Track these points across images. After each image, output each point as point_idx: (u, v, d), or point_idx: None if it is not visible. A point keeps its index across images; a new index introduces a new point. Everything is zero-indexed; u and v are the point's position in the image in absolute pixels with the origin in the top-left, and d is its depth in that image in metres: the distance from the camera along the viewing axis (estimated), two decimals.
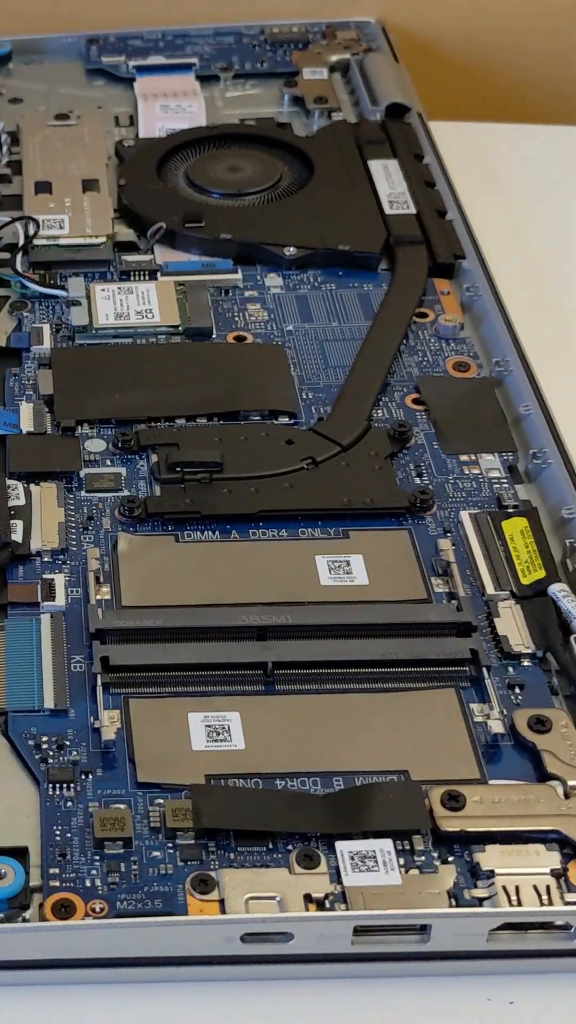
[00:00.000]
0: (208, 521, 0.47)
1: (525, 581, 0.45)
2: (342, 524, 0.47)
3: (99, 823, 0.38)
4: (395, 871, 0.37)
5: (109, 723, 0.41)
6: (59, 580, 0.45)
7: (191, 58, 0.72)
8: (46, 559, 0.46)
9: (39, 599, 0.45)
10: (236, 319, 0.56)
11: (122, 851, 0.38)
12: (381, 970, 0.37)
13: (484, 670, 0.42)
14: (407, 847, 0.38)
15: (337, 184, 0.62)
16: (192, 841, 0.38)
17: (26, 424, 0.51)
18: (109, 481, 0.49)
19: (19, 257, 0.58)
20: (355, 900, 0.37)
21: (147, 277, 0.58)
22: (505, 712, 0.41)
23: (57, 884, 0.37)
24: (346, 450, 0.50)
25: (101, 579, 0.45)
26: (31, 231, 0.59)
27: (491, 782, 0.39)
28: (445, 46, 0.77)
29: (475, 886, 0.37)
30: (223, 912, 0.37)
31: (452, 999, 0.37)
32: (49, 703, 0.42)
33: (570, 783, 0.39)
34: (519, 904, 0.36)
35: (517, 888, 0.37)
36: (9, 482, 0.48)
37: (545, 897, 0.37)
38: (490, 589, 0.45)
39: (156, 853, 0.38)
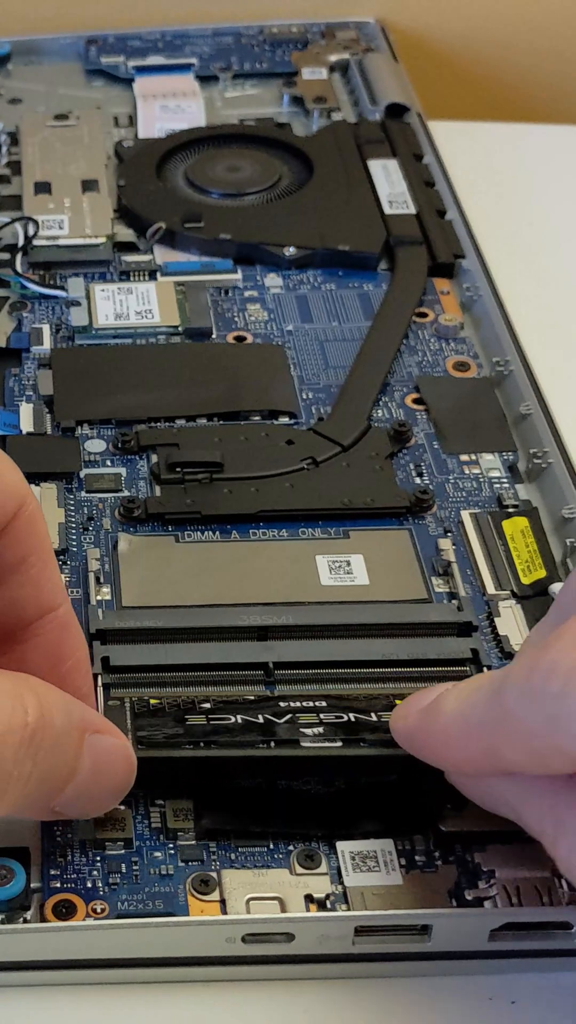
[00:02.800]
0: (208, 521, 0.47)
1: (526, 581, 0.45)
2: (342, 524, 0.47)
3: (99, 823, 0.38)
4: (396, 871, 0.37)
5: None
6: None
7: (190, 58, 0.72)
8: None
9: None
10: (236, 319, 0.56)
11: (123, 852, 0.38)
12: (382, 970, 0.37)
13: (485, 670, 0.42)
14: (408, 847, 0.38)
15: (337, 184, 0.62)
16: (193, 842, 0.38)
17: (26, 424, 0.51)
18: (109, 481, 0.49)
19: (19, 258, 0.58)
20: (356, 900, 0.37)
21: (147, 277, 0.58)
22: None
23: (58, 885, 0.37)
24: (346, 450, 0.50)
25: (101, 580, 0.45)
26: (31, 232, 0.59)
27: None
28: (444, 46, 0.77)
29: (476, 886, 0.37)
30: (224, 913, 0.37)
31: (454, 999, 0.37)
32: None
33: None
34: (520, 904, 0.36)
35: (518, 888, 0.37)
36: None
37: (546, 897, 0.36)
38: (491, 589, 0.45)
39: (157, 854, 0.38)
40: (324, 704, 0.40)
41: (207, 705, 0.40)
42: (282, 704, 0.40)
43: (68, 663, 0.37)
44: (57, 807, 0.35)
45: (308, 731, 0.39)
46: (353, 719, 0.39)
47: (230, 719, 0.39)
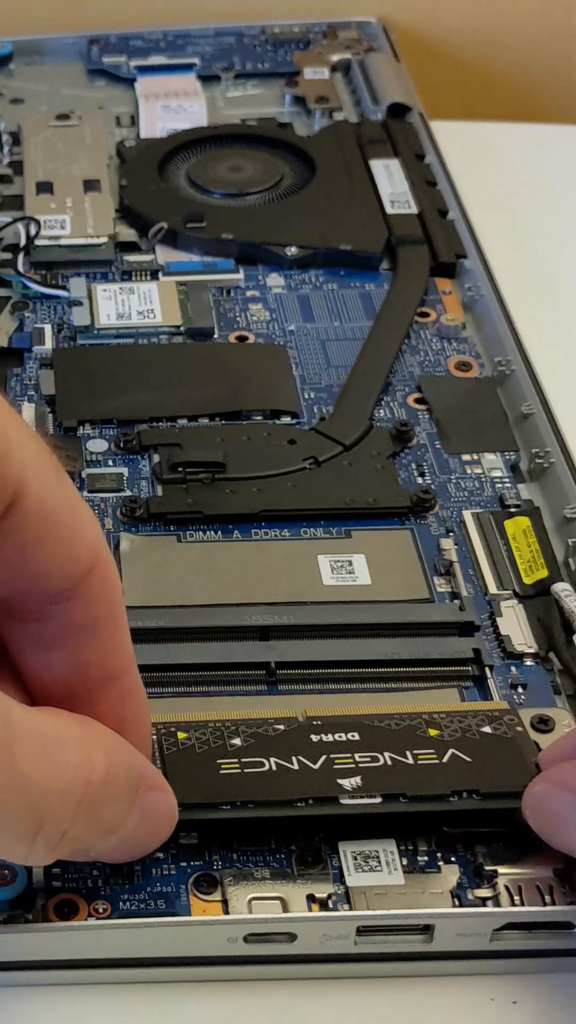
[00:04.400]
0: (210, 521, 0.47)
1: (528, 580, 0.45)
2: (344, 524, 0.47)
3: None
4: (398, 871, 0.37)
5: None
6: None
7: (192, 58, 0.72)
8: None
9: None
10: (238, 319, 0.56)
11: None
12: (384, 970, 0.37)
13: (487, 669, 0.42)
14: (410, 847, 0.38)
15: (338, 184, 0.62)
16: (195, 841, 0.38)
17: (28, 424, 0.51)
18: (111, 481, 0.49)
19: (21, 257, 0.58)
20: (358, 900, 0.37)
21: (149, 277, 0.58)
22: None
23: (60, 885, 0.37)
24: (348, 450, 0.50)
25: None
26: (32, 231, 0.59)
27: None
28: (446, 46, 0.77)
29: (478, 886, 0.37)
30: (226, 913, 0.37)
31: (455, 999, 0.37)
32: None
33: None
34: (522, 904, 0.36)
35: (520, 888, 0.37)
36: None
37: (548, 897, 0.36)
38: (492, 588, 0.45)
39: (159, 853, 0.38)
40: (357, 737, 0.39)
41: (238, 742, 0.39)
42: (314, 739, 0.39)
43: (130, 731, 0.35)
44: (93, 853, 0.35)
45: (345, 783, 0.38)
46: (390, 762, 0.38)
47: (263, 764, 0.38)
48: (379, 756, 0.38)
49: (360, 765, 0.38)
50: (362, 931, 0.36)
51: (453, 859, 0.38)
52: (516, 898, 0.37)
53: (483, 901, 0.37)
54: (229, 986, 0.37)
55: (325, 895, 0.37)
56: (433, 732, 0.39)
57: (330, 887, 0.37)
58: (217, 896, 0.37)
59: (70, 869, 0.37)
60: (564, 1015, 0.37)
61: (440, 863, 0.38)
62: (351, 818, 0.37)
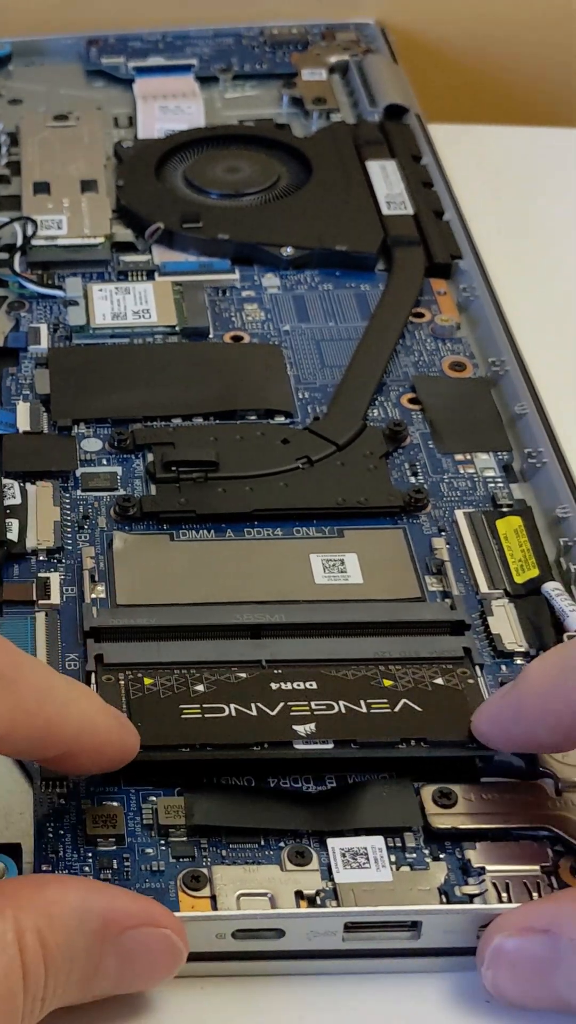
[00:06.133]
0: (203, 520, 0.47)
1: (519, 580, 0.45)
2: (337, 523, 0.47)
3: (91, 820, 0.38)
4: (386, 868, 0.37)
5: None
6: (54, 579, 0.45)
7: (190, 59, 0.72)
8: (41, 558, 0.46)
9: (35, 598, 0.45)
10: (233, 319, 0.56)
11: (114, 848, 0.38)
12: (372, 966, 0.37)
13: (477, 668, 0.42)
14: (398, 844, 0.38)
15: (335, 185, 0.62)
16: (184, 838, 0.38)
17: (23, 423, 0.51)
18: (105, 480, 0.49)
19: (17, 257, 0.58)
20: (346, 897, 0.37)
21: (145, 277, 0.58)
22: None
23: None
24: (341, 449, 0.50)
25: (96, 578, 0.45)
26: (29, 231, 0.59)
27: (483, 779, 0.39)
28: (444, 48, 0.77)
29: (466, 883, 0.37)
30: (215, 909, 0.37)
31: (443, 995, 0.37)
32: None
33: (561, 780, 0.39)
34: (509, 901, 0.37)
35: (508, 885, 0.37)
36: (5, 481, 0.48)
37: (535, 894, 0.37)
38: (484, 588, 0.45)
39: (148, 850, 0.38)
40: (315, 686, 0.40)
41: (200, 688, 0.40)
42: (273, 686, 0.40)
43: (99, 727, 0.37)
44: (91, 997, 0.35)
45: (300, 729, 0.39)
46: (344, 710, 0.40)
47: (223, 711, 0.40)
48: (334, 704, 0.40)
49: (315, 712, 0.40)
50: (350, 927, 0.36)
51: (441, 856, 0.38)
52: (503, 895, 0.37)
53: (470, 898, 0.37)
54: (217, 982, 0.37)
55: (313, 891, 0.37)
56: (387, 683, 0.41)
57: (319, 884, 0.37)
58: (206, 892, 0.37)
59: (60, 865, 0.38)
60: (554, 1013, 0.37)
61: (428, 860, 0.38)
62: (304, 761, 0.39)
